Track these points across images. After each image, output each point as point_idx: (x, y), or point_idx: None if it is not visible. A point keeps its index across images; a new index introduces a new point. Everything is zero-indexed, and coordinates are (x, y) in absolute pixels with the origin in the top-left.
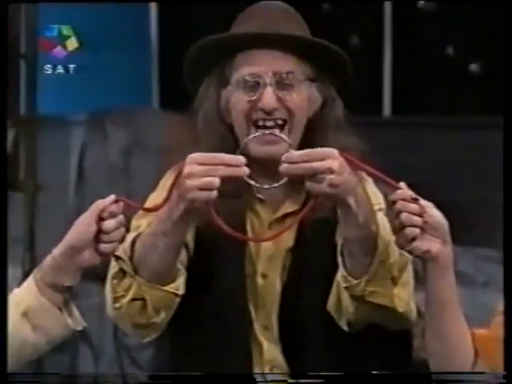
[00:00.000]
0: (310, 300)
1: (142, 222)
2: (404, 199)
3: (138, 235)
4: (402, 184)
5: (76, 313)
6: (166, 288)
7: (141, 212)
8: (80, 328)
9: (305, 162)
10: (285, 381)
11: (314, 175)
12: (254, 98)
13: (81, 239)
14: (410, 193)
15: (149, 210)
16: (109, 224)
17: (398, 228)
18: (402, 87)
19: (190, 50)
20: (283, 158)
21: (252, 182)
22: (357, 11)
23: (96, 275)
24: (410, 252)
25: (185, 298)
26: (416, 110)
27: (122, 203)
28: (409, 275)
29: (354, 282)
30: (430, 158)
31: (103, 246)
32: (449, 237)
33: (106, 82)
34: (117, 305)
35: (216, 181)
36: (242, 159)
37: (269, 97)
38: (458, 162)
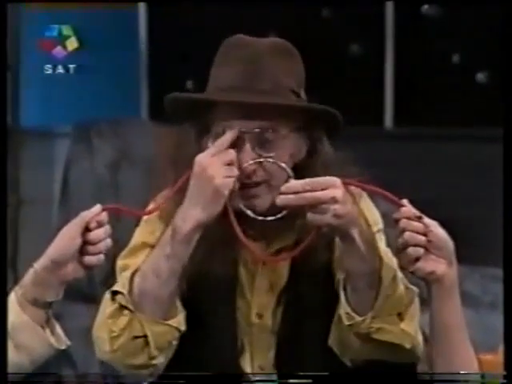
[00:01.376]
0: (308, 337)
1: (129, 262)
2: (408, 217)
3: (136, 270)
4: (405, 201)
5: (59, 331)
6: (169, 322)
7: (125, 252)
8: (63, 347)
9: (307, 191)
10: (275, 381)
11: (316, 206)
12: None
13: (64, 253)
14: (413, 211)
15: (142, 215)
16: (96, 234)
17: (401, 247)
18: (404, 98)
19: (165, 98)
20: (283, 188)
21: (249, 212)
22: (357, 18)
23: (81, 296)
24: (413, 273)
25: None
26: (419, 121)
27: (106, 212)
28: (415, 308)
29: (359, 319)
30: (433, 172)
31: (88, 259)
32: (454, 257)
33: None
34: (114, 346)
35: (235, 170)
36: None
37: (247, 159)
38: (463, 177)
